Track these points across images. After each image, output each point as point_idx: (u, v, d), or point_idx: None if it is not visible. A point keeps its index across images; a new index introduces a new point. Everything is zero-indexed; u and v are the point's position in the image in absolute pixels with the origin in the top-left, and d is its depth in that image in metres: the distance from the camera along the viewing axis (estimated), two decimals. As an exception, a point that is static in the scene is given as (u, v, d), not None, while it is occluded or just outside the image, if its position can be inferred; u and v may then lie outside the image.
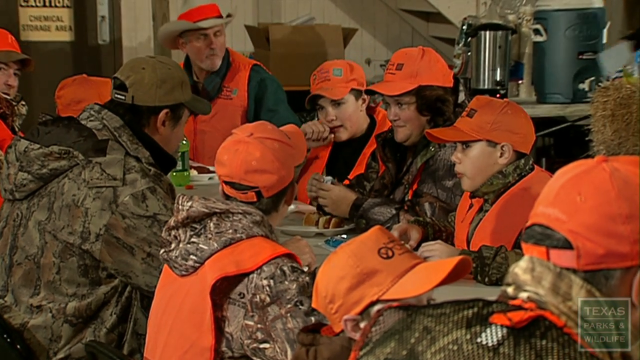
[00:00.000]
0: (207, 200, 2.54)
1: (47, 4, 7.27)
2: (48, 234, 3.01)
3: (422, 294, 1.90)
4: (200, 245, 2.50)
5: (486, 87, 5.43)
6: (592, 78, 5.35)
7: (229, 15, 5.28)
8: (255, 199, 2.57)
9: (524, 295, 1.54)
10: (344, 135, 4.37)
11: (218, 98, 5.09)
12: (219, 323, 2.47)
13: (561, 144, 6.16)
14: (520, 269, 1.57)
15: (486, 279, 3.02)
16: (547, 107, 5.54)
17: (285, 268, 2.46)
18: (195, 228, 2.53)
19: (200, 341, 2.48)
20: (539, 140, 5.76)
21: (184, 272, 2.53)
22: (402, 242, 2.14)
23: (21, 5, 7.24)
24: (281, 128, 2.68)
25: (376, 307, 1.91)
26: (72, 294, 3.00)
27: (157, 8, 7.23)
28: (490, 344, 1.47)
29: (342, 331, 1.99)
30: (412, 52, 3.80)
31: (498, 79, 5.43)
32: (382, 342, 1.61)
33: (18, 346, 3.01)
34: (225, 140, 2.63)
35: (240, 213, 2.52)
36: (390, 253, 1.96)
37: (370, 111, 4.43)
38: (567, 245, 1.51)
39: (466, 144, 3.18)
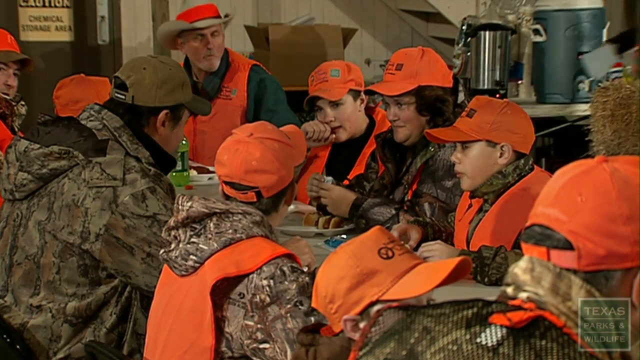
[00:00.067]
0: (207, 200, 2.54)
1: (47, 4, 7.27)
2: (48, 233, 3.01)
3: (422, 295, 1.90)
4: (200, 246, 2.50)
5: (486, 87, 5.44)
6: (592, 78, 5.35)
7: (226, 16, 5.28)
8: (255, 199, 2.57)
9: (523, 295, 1.54)
10: (343, 136, 4.37)
11: (217, 98, 5.09)
12: (218, 323, 2.46)
13: (561, 144, 6.15)
14: (519, 269, 1.57)
15: (486, 279, 3.02)
16: (546, 107, 5.54)
17: (285, 268, 2.46)
18: (195, 228, 2.53)
19: (200, 341, 2.48)
20: (538, 140, 5.76)
21: (183, 272, 2.53)
22: (402, 242, 2.14)
23: (21, 6, 7.24)
24: (281, 128, 2.68)
25: (376, 308, 1.91)
26: (72, 294, 3.00)
27: (157, 8, 7.23)
28: (489, 344, 1.47)
29: (342, 331, 1.99)
30: (412, 52, 3.79)
31: (498, 79, 5.43)
32: (381, 342, 1.61)
33: (18, 346, 3.00)
34: (225, 140, 2.63)
35: (240, 213, 2.52)
36: (390, 253, 1.96)
37: (370, 111, 4.43)
38: (567, 245, 1.51)
39: (466, 144, 3.18)
